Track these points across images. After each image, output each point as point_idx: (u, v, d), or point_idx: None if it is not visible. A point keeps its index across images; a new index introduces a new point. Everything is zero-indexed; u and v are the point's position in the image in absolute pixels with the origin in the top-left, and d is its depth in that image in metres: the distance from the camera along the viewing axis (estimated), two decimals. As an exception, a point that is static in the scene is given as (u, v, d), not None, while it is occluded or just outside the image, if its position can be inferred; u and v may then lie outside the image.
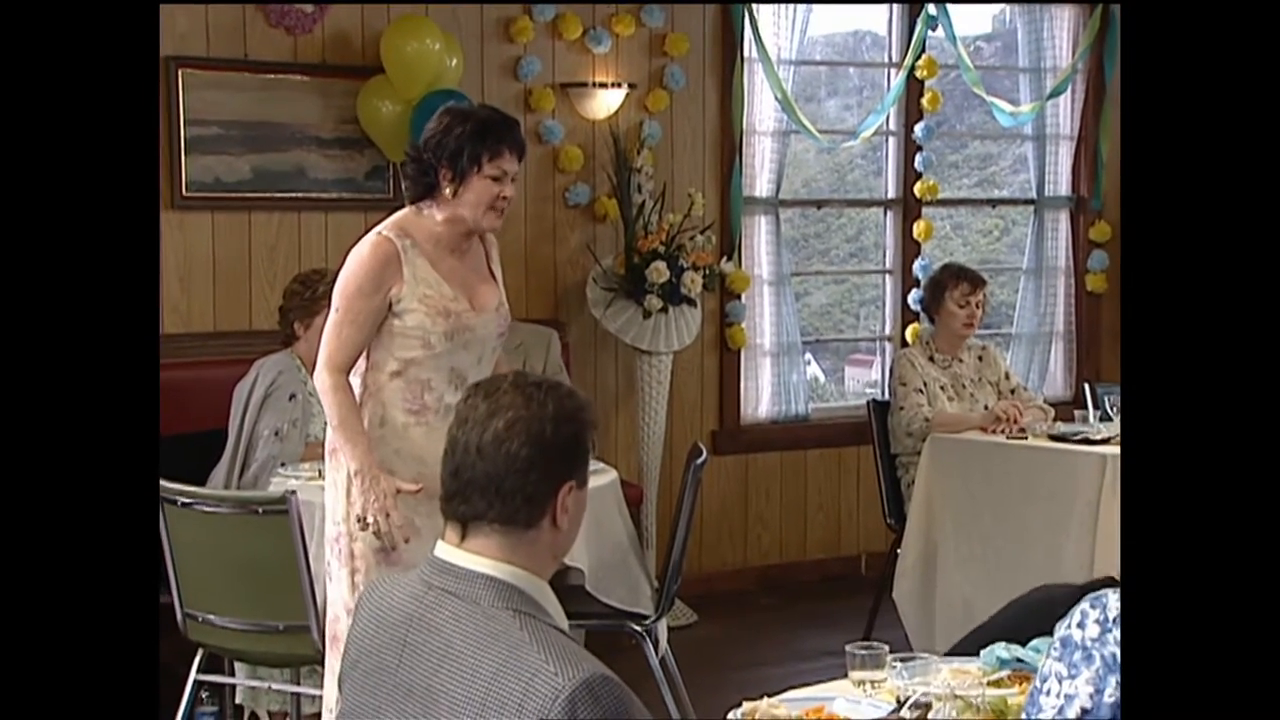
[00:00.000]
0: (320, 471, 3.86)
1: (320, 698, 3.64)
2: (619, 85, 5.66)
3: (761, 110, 5.99)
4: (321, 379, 3.11)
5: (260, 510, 3.49)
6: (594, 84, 5.65)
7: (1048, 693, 1.60)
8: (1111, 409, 4.76)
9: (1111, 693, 1.55)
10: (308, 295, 4.22)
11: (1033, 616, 2.65)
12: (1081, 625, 1.60)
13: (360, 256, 3.12)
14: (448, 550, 1.86)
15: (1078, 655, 1.58)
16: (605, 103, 5.66)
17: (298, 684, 3.75)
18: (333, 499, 3.15)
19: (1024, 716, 1.64)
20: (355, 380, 3.17)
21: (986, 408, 5.05)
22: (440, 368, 3.17)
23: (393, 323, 3.12)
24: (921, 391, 4.98)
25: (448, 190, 3.14)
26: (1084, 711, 1.56)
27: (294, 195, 5.23)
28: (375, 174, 5.36)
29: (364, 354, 3.14)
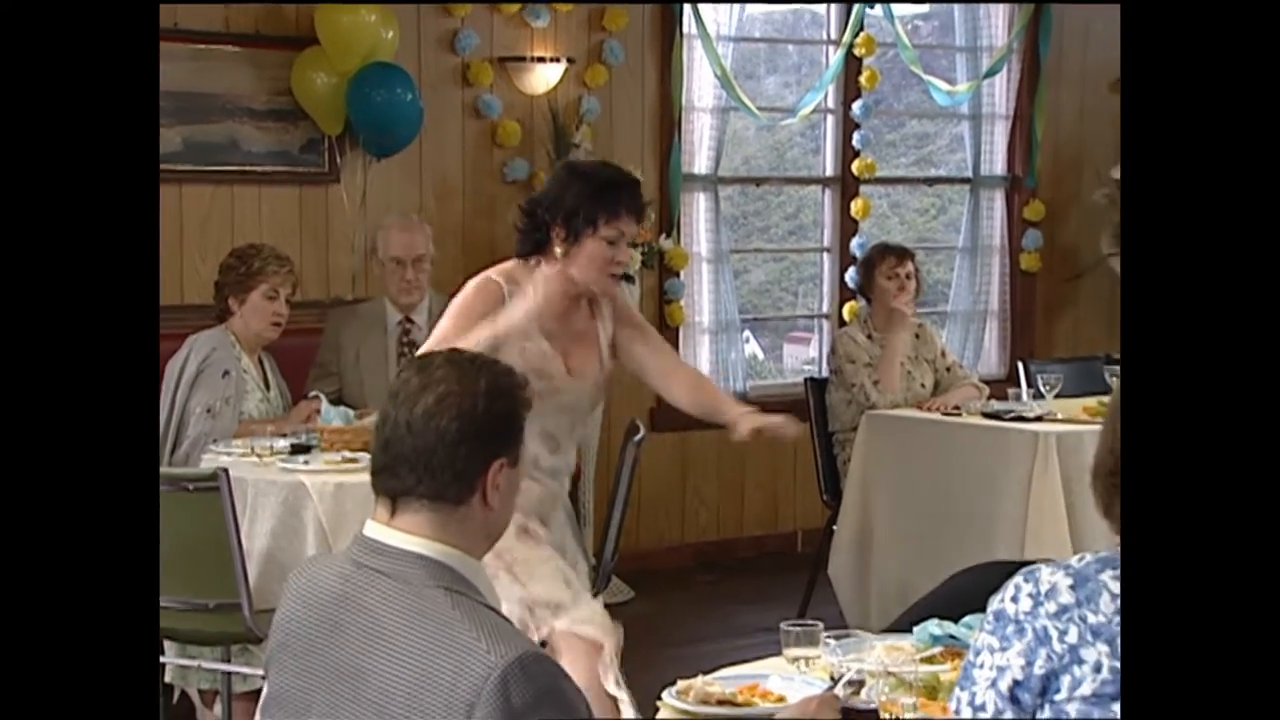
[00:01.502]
0: (254, 449, 3.82)
1: (250, 676, 3.62)
2: (558, 60, 5.62)
3: (700, 87, 5.98)
4: None
5: (191, 487, 3.45)
6: (532, 58, 5.60)
7: (980, 665, 1.61)
8: (1044, 387, 4.81)
9: (1041, 665, 1.57)
10: (243, 270, 4.16)
11: (967, 594, 2.67)
12: (1015, 599, 1.61)
13: (464, 295, 3.07)
14: (377, 529, 1.84)
15: (1010, 629, 1.60)
16: (544, 78, 5.62)
17: (228, 662, 3.71)
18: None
19: (957, 689, 1.65)
20: None
21: (923, 385, 5.09)
22: (530, 426, 3.10)
23: None
24: (870, 366, 5.02)
25: (559, 249, 3.05)
26: (1015, 683, 1.58)
27: (226, 168, 5.15)
28: (310, 147, 5.29)
29: None
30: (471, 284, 3.09)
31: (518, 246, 3.13)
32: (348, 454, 3.79)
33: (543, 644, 3.01)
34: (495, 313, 3.02)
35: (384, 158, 5.34)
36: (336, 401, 4.14)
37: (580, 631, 2.97)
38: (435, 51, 5.51)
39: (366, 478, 1.95)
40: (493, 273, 3.10)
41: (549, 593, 3.02)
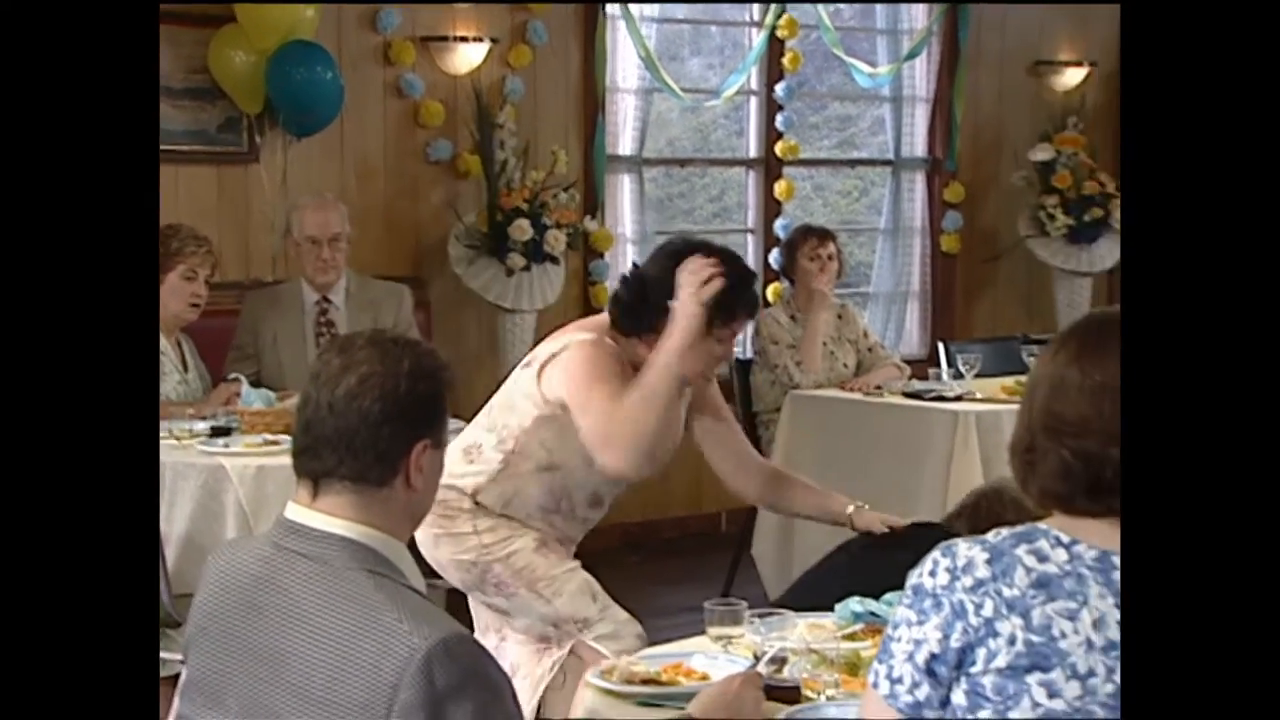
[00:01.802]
0: (173, 431, 3.77)
1: (170, 661, 3.57)
2: (480, 40, 5.58)
3: (624, 68, 5.97)
4: (611, 453, 2.80)
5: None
6: (455, 38, 5.56)
7: (898, 639, 1.63)
8: (964, 367, 4.87)
9: (958, 638, 1.59)
10: (160, 251, 4.10)
11: (844, 572, 2.69)
12: (933, 574, 1.63)
13: (590, 359, 2.84)
14: (298, 511, 1.83)
15: (928, 602, 1.62)
16: (467, 57, 5.58)
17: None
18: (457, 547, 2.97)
19: (875, 663, 1.67)
20: (492, 451, 2.96)
21: (846, 365, 5.14)
22: (585, 485, 3.02)
23: (562, 415, 2.89)
24: (793, 347, 5.05)
25: None
26: (932, 656, 1.60)
27: (143, 147, 5.06)
28: (229, 126, 5.21)
29: (512, 435, 2.94)
30: (586, 347, 2.87)
31: (620, 319, 2.92)
32: (268, 436, 3.76)
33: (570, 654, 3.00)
34: (625, 374, 2.85)
35: (304, 137, 5.27)
36: (255, 383, 4.10)
37: (603, 648, 2.94)
38: (356, 30, 5.45)
39: (287, 460, 1.92)
40: (592, 335, 2.91)
41: (575, 609, 2.99)
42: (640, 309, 2.89)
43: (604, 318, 3.01)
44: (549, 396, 2.92)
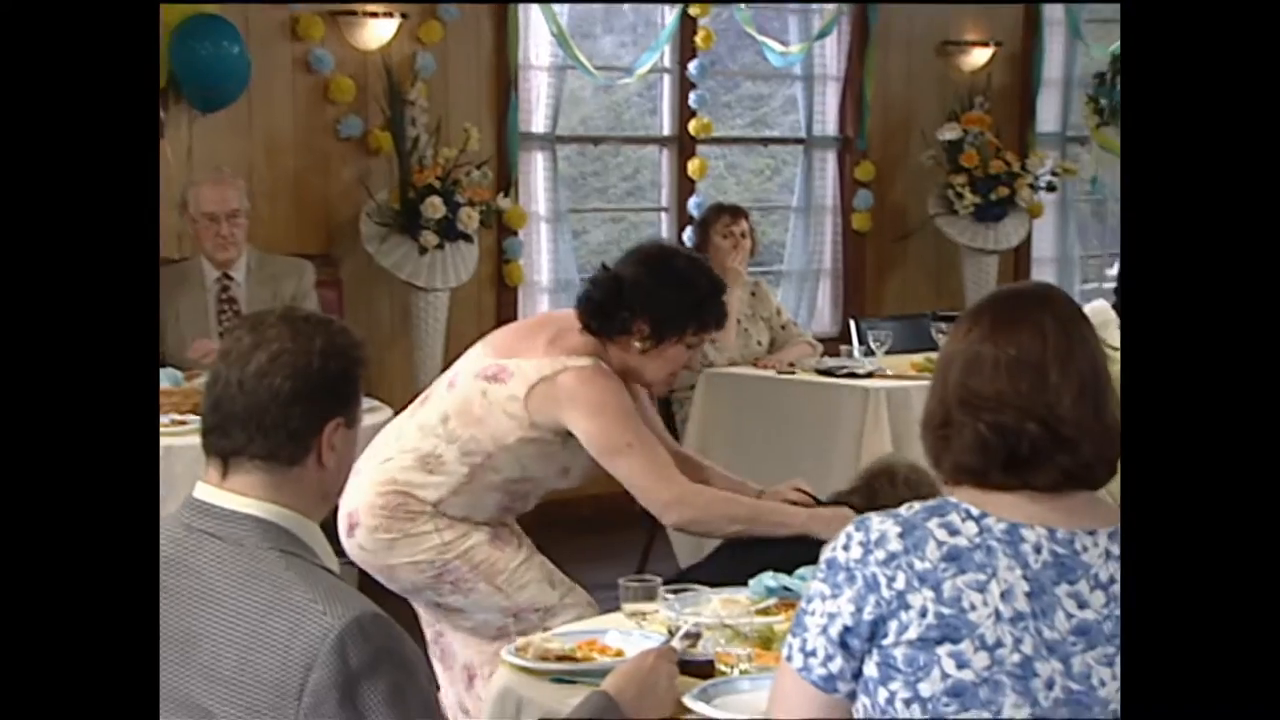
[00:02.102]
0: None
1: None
2: (390, 15, 5.52)
3: (537, 45, 5.94)
4: (678, 512, 2.94)
5: None
6: (364, 13, 5.50)
7: (813, 613, 1.65)
8: (874, 344, 4.92)
9: (870, 611, 1.61)
10: None
11: (733, 567, 2.72)
12: (846, 547, 1.65)
13: (602, 383, 2.87)
14: (208, 490, 1.80)
15: (841, 576, 1.64)
16: (376, 32, 5.52)
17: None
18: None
19: (789, 636, 1.69)
20: (457, 464, 2.93)
21: (759, 343, 5.17)
22: (550, 487, 3.09)
23: (551, 440, 2.93)
24: None
25: (638, 344, 2.91)
26: (845, 629, 1.62)
27: (43, 122, 4.94)
28: (132, 101, 5.11)
29: (483, 451, 2.91)
30: (599, 380, 2.88)
31: (594, 320, 2.92)
32: (175, 416, 3.70)
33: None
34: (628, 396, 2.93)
35: (210, 112, 5.18)
36: (160, 363, 4.03)
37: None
38: (262, 4, 5.36)
39: (194, 440, 1.88)
40: (589, 359, 2.91)
41: (534, 598, 3.01)
42: (614, 312, 2.91)
43: (571, 318, 2.97)
44: (539, 421, 2.91)
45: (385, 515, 2.94)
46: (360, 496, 2.97)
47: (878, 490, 2.89)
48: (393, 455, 3.00)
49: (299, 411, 1.77)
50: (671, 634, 2.31)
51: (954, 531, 1.62)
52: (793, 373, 4.87)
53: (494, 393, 2.93)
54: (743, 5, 6.25)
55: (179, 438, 3.53)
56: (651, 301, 2.88)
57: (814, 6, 6.61)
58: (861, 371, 4.77)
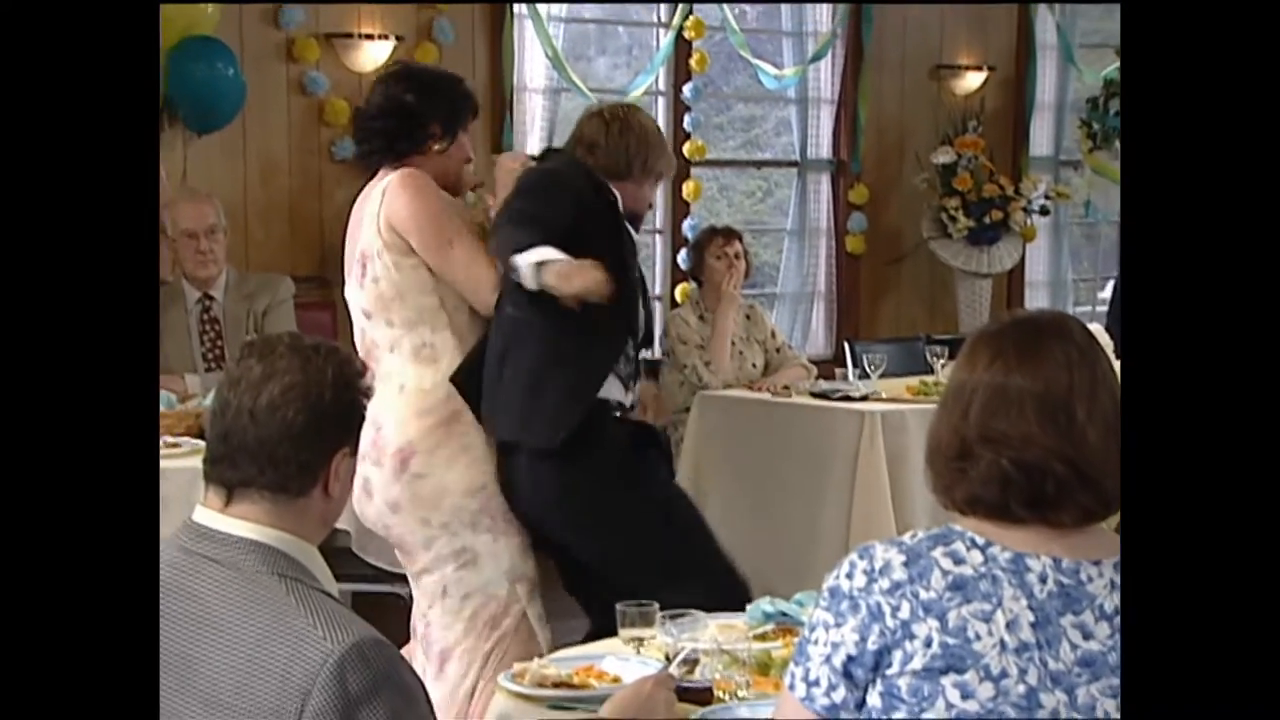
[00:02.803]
0: None
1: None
2: (386, 37, 5.53)
3: (532, 67, 5.94)
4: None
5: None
6: (360, 35, 5.50)
7: (815, 642, 1.64)
8: (869, 367, 4.92)
9: (875, 640, 1.60)
10: None
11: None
12: (850, 576, 1.64)
13: (416, 189, 3.15)
14: (209, 515, 1.79)
15: (845, 604, 1.62)
16: (372, 55, 5.52)
17: None
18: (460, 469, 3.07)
19: (792, 665, 1.67)
20: (421, 335, 3.14)
21: (753, 365, 5.17)
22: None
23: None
24: (701, 348, 5.07)
25: (436, 147, 3.25)
26: (849, 659, 1.60)
27: (38, 143, 4.93)
28: (127, 122, 5.11)
29: (425, 307, 3.14)
30: (410, 188, 3.12)
31: (401, 143, 3.22)
32: (169, 439, 3.68)
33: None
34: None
35: (205, 134, 5.18)
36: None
37: (540, 630, 3.15)
38: (258, 26, 5.36)
39: (187, 463, 1.88)
40: (393, 173, 3.16)
41: (532, 572, 3.18)
42: (409, 131, 3.20)
43: (373, 180, 3.23)
44: (395, 246, 3.12)
45: (441, 429, 3.06)
46: (406, 425, 3.07)
47: None
48: (401, 381, 3.10)
49: (309, 444, 1.77)
50: (669, 660, 2.30)
51: (959, 560, 1.61)
52: (788, 395, 4.87)
53: (374, 273, 3.13)
54: (737, 29, 6.27)
55: (173, 460, 3.51)
56: (433, 108, 3.20)
57: (808, 30, 6.62)
58: (856, 394, 4.77)
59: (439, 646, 3.14)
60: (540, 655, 2.78)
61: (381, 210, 3.07)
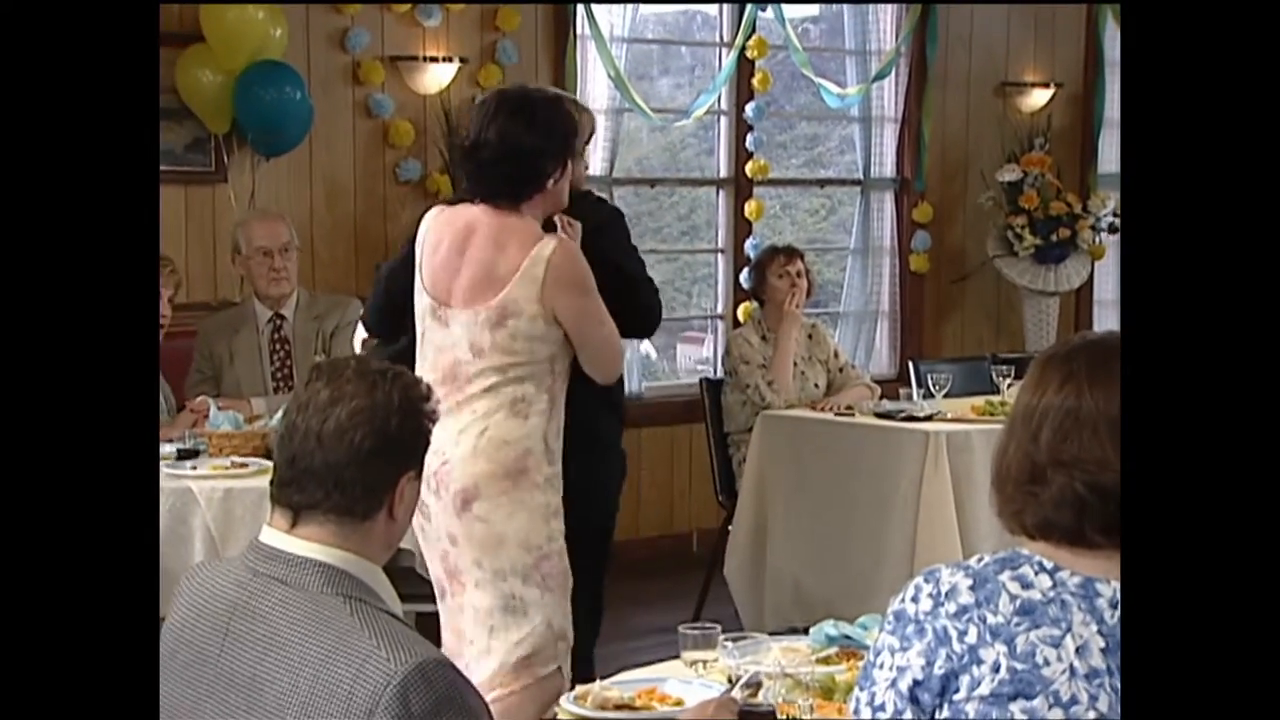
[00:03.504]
0: None
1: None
2: (450, 60, 5.58)
3: (594, 87, 5.97)
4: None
5: None
6: (424, 58, 5.56)
7: (880, 666, 1.62)
8: (934, 386, 4.88)
9: (941, 665, 1.58)
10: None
11: None
12: (915, 599, 1.62)
13: (581, 262, 3.07)
14: (275, 536, 1.81)
15: (910, 628, 1.60)
16: (436, 77, 5.58)
17: None
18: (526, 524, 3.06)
19: (856, 689, 1.65)
20: (525, 390, 3.08)
21: (816, 385, 5.14)
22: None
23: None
24: (764, 367, 5.05)
25: (552, 183, 3.14)
26: (915, 683, 1.58)
27: (109, 167, 5.02)
28: (196, 146, 5.18)
29: (535, 360, 3.07)
30: (579, 258, 3.08)
31: (523, 188, 3.11)
32: (236, 459, 3.72)
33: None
34: None
35: (273, 157, 5.25)
36: (215, 405, 4.07)
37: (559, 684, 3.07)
38: (325, 50, 5.43)
39: (255, 483, 1.89)
40: (548, 236, 3.10)
41: (569, 628, 3.11)
42: (530, 175, 3.08)
43: (497, 225, 3.08)
44: (549, 312, 3.07)
45: (508, 481, 3.03)
46: (474, 468, 3.04)
47: None
48: (485, 426, 3.06)
49: (376, 468, 1.78)
50: (732, 683, 2.28)
51: (1027, 585, 1.59)
52: (851, 415, 4.84)
53: (518, 327, 3.05)
54: (800, 47, 6.26)
55: (239, 480, 3.55)
56: (550, 146, 3.08)
57: (872, 49, 6.60)
58: (921, 414, 4.72)
59: (468, 663, 3.14)
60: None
61: (547, 278, 3.01)
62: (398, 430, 1.79)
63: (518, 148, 3.05)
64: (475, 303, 3.07)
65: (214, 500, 3.49)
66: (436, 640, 3.05)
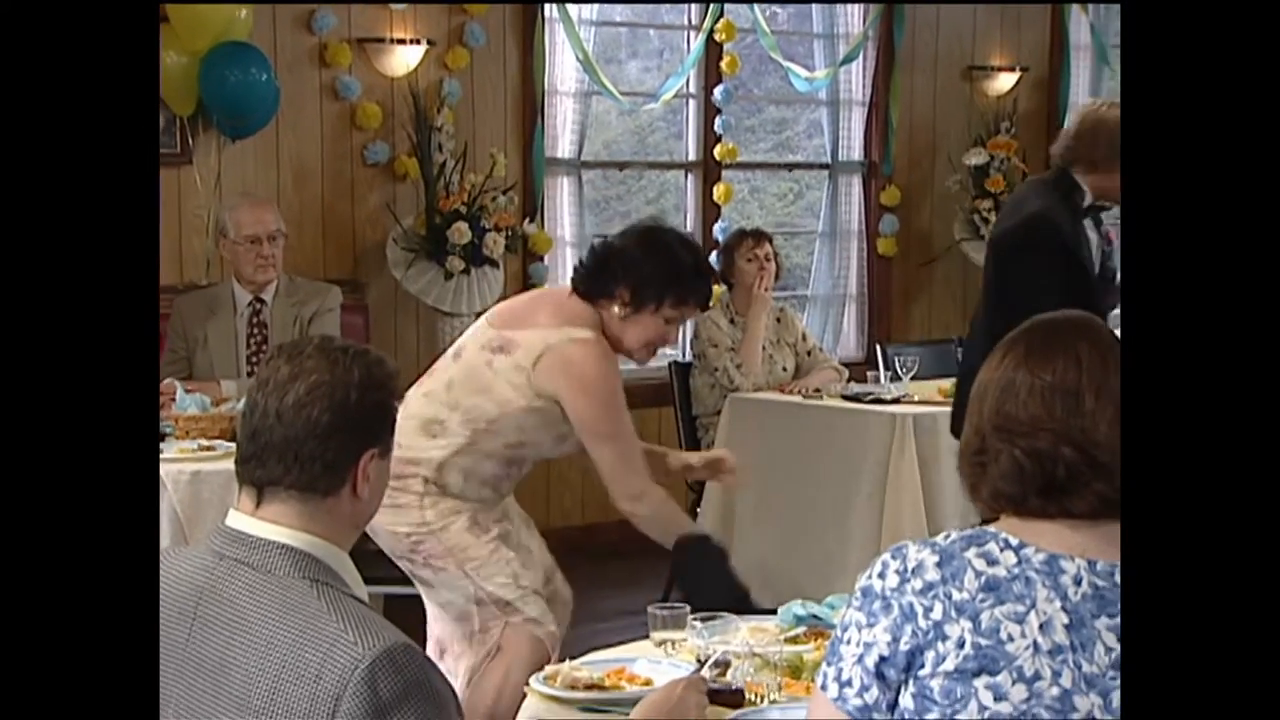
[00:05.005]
0: None
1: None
2: (417, 42, 5.55)
3: (563, 70, 5.96)
4: (633, 505, 3.12)
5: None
6: (391, 40, 5.53)
7: (847, 641, 1.63)
8: (901, 369, 4.90)
9: (907, 641, 1.59)
10: None
11: None
12: (882, 576, 1.63)
13: (602, 365, 3.00)
14: (241, 519, 1.80)
15: (877, 604, 1.62)
16: (403, 59, 5.55)
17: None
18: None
19: (824, 665, 1.67)
20: (459, 427, 3.02)
21: (784, 368, 5.16)
22: (544, 455, 3.18)
23: (553, 409, 3.02)
24: (733, 350, 5.07)
25: (618, 310, 3.03)
26: (881, 659, 1.60)
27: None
28: (161, 128, 5.14)
29: (485, 417, 3.02)
30: (600, 360, 3.00)
31: (581, 284, 3.06)
32: (203, 441, 3.71)
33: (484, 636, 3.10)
34: (618, 374, 3.08)
35: (239, 139, 5.22)
36: (186, 388, 4.05)
37: (533, 631, 3.08)
38: (291, 32, 5.40)
39: (223, 465, 1.88)
40: (593, 333, 3.01)
41: (498, 590, 3.07)
42: (600, 277, 3.04)
43: (566, 290, 3.11)
44: (543, 391, 3.01)
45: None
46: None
47: None
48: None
49: (336, 443, 1.77)
50: (700, 663, 2.29)
51: (992, 561, 1.61)
52: (819, 398, 4.86)
53: (499, 363, 3.03)
54: (768, 31, 6.26)
55: (206, 463, 3.54)
56: (633, 269, 3.01)
57: (840, 32, 6.61)
58: (888, 397, 4.75)
59: (435, 634, 3.21)
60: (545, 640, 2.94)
61: (546, 357, 2.99)
62: (357, 405, 1.78)
63: (619, 252, 3.05)
64: (498, 323, 3.11)
65: (181, 483, 3.48)
66: (403, 625, 3.06)
